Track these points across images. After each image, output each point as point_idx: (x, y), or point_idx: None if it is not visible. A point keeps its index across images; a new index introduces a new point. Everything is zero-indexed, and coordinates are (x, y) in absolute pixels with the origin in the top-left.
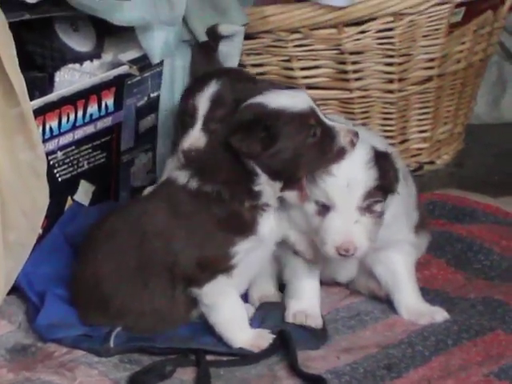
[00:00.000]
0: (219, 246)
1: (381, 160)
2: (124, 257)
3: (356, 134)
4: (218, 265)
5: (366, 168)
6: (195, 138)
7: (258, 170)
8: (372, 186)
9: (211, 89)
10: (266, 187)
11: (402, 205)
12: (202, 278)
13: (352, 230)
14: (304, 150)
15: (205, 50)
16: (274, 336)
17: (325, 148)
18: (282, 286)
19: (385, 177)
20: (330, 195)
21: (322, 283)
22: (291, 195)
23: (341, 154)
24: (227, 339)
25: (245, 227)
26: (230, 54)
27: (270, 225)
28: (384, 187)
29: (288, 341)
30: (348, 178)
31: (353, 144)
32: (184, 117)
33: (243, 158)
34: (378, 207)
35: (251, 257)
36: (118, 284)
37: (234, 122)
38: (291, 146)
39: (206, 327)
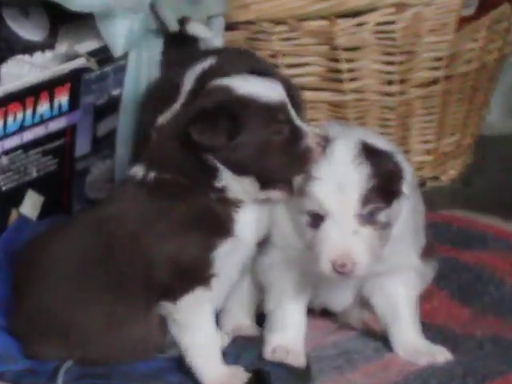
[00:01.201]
0: (196, 250)
1: (375, 156)
2: (85, 274)
3: (326, 138)
4: (196, 272)
5: (356, 164)
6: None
7: (219, 165)
8: (369, 188)
9: (202, 65)
10: (232, 182)
11: (410, 219)
12: (179, 289)
13: (349, 241)
14: (267, 147)
15: (180, 37)
16: (250, 375)
17: (291, 147)
18: (258, 319)
19: (383, 175)
20: (321, 202)
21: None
22: (274, 194)
23: (307, 155)
24: (196, 371)
25: (220, 225)
26: (212, 43)
27: (248, 223)
28: (385, 188)
29: (266, 381)
30: (336, 178)
31: (321, 146)
32: (166, 91)
33: (202, 150)
34: (381, 216)
35: (230, 263)
36: (76, 308)
37: (194, 109)
38: (254, 141)
39: (170, 364)
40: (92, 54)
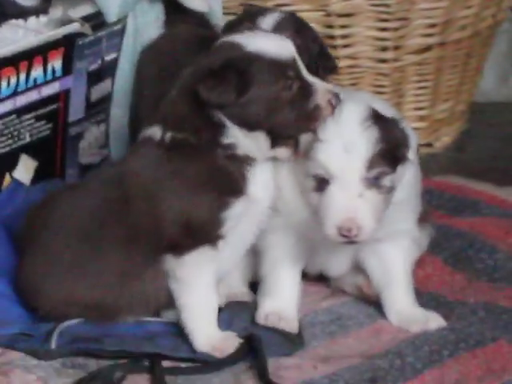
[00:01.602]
0: (209, 209)
1: (383, 122)
2: (99, 226)
3: (337, 96)
4: (205, 231)
5: (364, 128)
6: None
7: (227, 122)
8: (375, 152)
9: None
10: (241, 139)
11: (412, 185)
12: (185, 245)
13: (355, 205)
14: (276, 102)
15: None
16: (242, 340)
17: (300, 104)
18: (252, 286)
19: (390, 141)
20: (327, 164)
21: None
22: (281, 152)
23: (316, 112)
24: (189, 331)
25: (232, 184)
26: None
27: (261, 182)
28: (391, 154)
29: (258, 346)
30: (344, 140)
31: (331, 105)
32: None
33: (211, 108)
34: (386, 181)
35: (243, 224)
36: (88, 259)
37: (203, 66)
38: (263, 97)
39: (164, 329)
40: (86, 18)
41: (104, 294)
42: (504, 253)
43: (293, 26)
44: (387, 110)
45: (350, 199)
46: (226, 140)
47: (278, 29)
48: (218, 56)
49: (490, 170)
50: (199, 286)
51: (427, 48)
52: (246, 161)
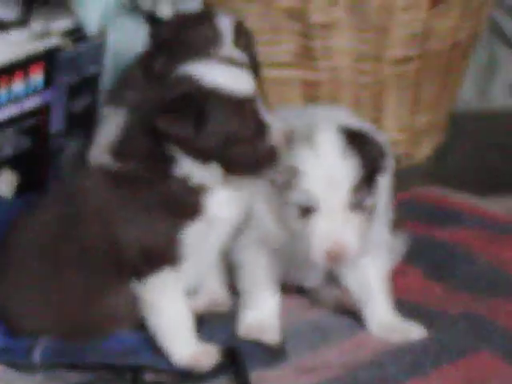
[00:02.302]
0: (163, 231)
1: (360, 143)
2: (58, 250)
3: (289, 137)
4: (162, 254)
5: (344, 158)
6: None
7: (180, 155)
8: (358, 179)
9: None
10: (194, 170)
11: (385, 194)
12: (146, 270)
13: (342, 231)
14: (232, 140)
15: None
16: (221, 353)
17: (255, 143)
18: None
19: (370, 163)
20: (311, 195)
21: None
22: (236, 181)
23: (271, 153)
24: (167, 350)
25: (186, 207)
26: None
27: (221, 201)
28: (371, 175)
29: (239, 359)
30: (326, 172)
31: (284, 145)
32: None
33: (167, 141)
34: (369, 200)
35: (203, 242)
36: (51, 283)
37: (160, 98)
38: (219, 133)
39: (145, 341)
40: (67, 32)
41: (68, 313)
42: (485, 264)
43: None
44: (357, 123)
45: (336, 226)
46: (178, 172)
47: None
48: (176, 90)
49: (471, 180)
50: (167, 307)
51: (407, 59)
52: (200, 187)
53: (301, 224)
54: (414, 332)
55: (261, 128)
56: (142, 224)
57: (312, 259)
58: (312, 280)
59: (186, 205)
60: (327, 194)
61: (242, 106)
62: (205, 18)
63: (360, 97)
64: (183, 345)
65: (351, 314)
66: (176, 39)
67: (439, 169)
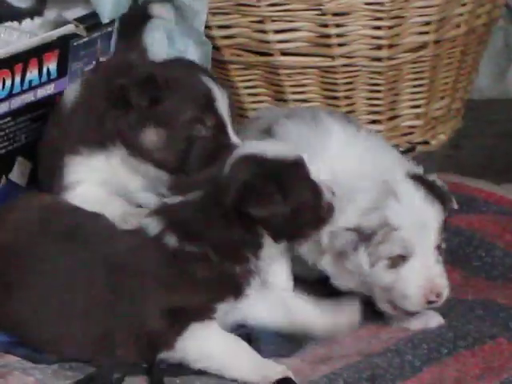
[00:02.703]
0: (203, 298)
1: (432, 187)
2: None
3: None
4: (194, 315)
5: (428, 203)
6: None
7: (265, 235)
8: (441, 221)
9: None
10: (269, 250)
11: None
12: (171, 335)
13: (436, 273)
14: (308, 205)
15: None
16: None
17: (318, 206)
18: None
19: (444, 207)
20: (409, 242)
21: (297, 280)
22: None
23: (330, 211)
24: (244, 380)
25: (236, 289)
26: (197, 10)
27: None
28: (445, 218)
29: (256, 348)
30: (418, 217)
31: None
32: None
33: (255, 223)
34: (443, 243)
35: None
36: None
37: (236, 183)
38: (300, 202)
39: None
40: (80, 20)
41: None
42: (501, 250)
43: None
44: (408, 165)
45: (431, 270)
46: (255, 255)
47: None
48: (246, 171)
49: (487, 167)
50: (214, 340)
51: (422, 46)
52: (253, 271)
53: (391, 276)
54: (431, 320)
55: (318, 189)
56: (179, 291)
57: (409, 306)
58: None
59: (239, 287)
60: (421, 238)
61: (303, 173)
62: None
63: (375, 83)
64: (254, 369)
65: (368, 301)
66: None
67: (455, 155)
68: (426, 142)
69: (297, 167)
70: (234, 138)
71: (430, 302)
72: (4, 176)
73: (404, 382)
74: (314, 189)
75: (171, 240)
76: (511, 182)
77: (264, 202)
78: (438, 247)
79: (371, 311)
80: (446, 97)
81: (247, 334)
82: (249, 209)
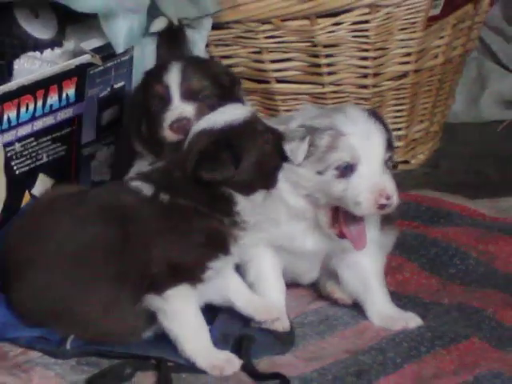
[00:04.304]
0: (197, 257)
1: (379, 118)
2: (90, 260)
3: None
4: (189, 273)
5: (373, 122)
6: (179, 106)
7: (233, 193)
8: (385, 138)
9: (176, 66)
10: (245, 205)
11: None
12: (167, 282)
13: (385, 179)
14: (264, 158)
15: (173, 36)
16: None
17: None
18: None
19: (387, 131)
20: (356, 150)
21: (289, 286)
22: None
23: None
24: (190, 357)
25: (225, 246)
26: (196, 41)
27: (242, 242)
28: (389, 142)
29: (246, 345)
30: (365, 131)
31: None
32: (153, 101)
33: (218, 184)
34: (389, 165)
35: (219, 271)
36: (78, 291)
37: (193, 153)
38: (254, 159)
39: (166, 338)
40: (96, 50)
41: (88, 321)
42: (474, 259)
43: (199, 70)
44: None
45: (379, 175)
46: (234, 209)
47: (185, 77)
48: (202, 140)
49: (462, 184)
50: (187, 314)
51: (403, 75)
52: (242, 226)
53: (341, 184)
54: (411, 321)
55: (278, 137)
56: (178, 247)
57: (360, 211)
58: (307, 276)
59: (225, 243)
60: (368, 149)
61: (251, 131)
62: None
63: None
64: (204, 349)
65: (353, 304)
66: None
67: (433, 173)
68: (406, 162)
69: (244, 128)
70: (176, 104)
71: (381, 207)
72: (27, 191)
73: (387, 377)
74: (263, 142)
75: (165, 197)
76: (483, 197)
77: (215, 166)
78: (386, 162)
79: (355, 313)
80: (424, 120)
81: (241, 334)
82: (203, 176)
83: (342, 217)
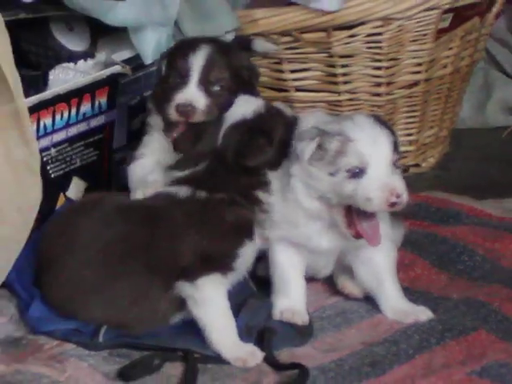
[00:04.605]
0: (228, 245)
1: (382, 121)
2: (124, 254)
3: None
4: (221, 261)
5: (380, 127)
6: (192, 93)
7: (267, 175)
8: (392, 141)
9: (203, 51)
10: (276, 188)
11: None
12: (199, 271)
13: (394, 178)
14: (285, 136)
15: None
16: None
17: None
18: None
19: (392, 133)
20: (363, 155)
21: (308, 281)
22: None
23: None
24: (215, 345)
25: (252, 232)
26: None
27: (266, 236)
28: (396, 146)
29: (267, 338)
30: (373, 136)
31: None
32: (172, 73)
33: (257, 169)
34: (399, 162)
35: (249, 258)
36: (114, 282)
37: (232, 145)
38: (279, 138)
39: (192, 327)
40: (127, 61)
41: (124, 310)
42: (481, 256)
43: (222, 60)
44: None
45: (388, 175)
46: (265, 196)
47: (208, 64)
48: (238, 131)
49: (469, 186)
50: (217, 303)
51: (415, 83)
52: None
53: (352, 184)
54: (422, 314)
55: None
56: (211, 235)
57: (372, 208)
58: (323, 271)
59: (251, 227)
60: (375, 153)
61: (277, 117)
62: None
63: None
64: (229, 339)
65: (368, 298)
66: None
67: (442, 176)
68: (417, 165)
69: (268, 114)
70: (190, 88)
71: (392, 205)
72: (62, 193)
73: (400, 367)
74: (283, 123)
75: (202, 194)
76: (490, 198)
77: (255, 152)
78: (394, 164)
79: (370, 307)
80: (434, 126)
81: (264, 327)
82: (247, 162)
83: (355, 215)
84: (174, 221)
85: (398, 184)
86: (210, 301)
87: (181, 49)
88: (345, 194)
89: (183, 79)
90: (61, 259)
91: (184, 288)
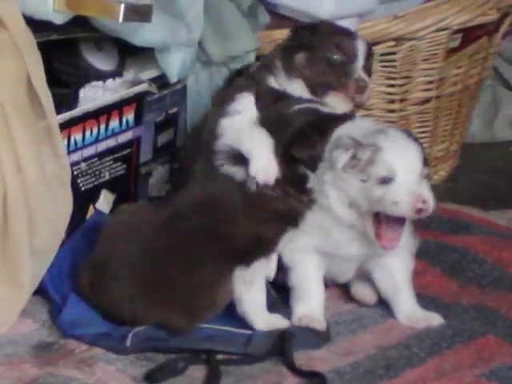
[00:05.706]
0: (276, 231)
1: (412, 135)
2: (192, 247)
3: None
4: (270, 246)
5: (410, 140)
6: (362, 73)
7: (309, 171)
8: (422, 155)
9: (364, 40)
10: (314, 183)
11: None
12: (254, 255)
13: (422, 187)
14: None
15: None
16: (275, 338)
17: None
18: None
19: (422, 148)
20: (392, 165)
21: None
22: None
23: None
24: (249, 317)
25: (297, 220)
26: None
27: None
28: (426, 158)
29: (287, 342)
30: (403, 147)
31: None
32: (334, 50)
33: (302, 164)
34: (428, 176)
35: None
36: (181, 273)
37: (290, 131)
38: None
39: (218, 332)
40: (153, 80)
41: (193, 297)
42: (490, 264)
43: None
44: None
45: (416, 184)
46: (308, 186)
47: (368, 51)
48: (297, 122)
49: (479, 197)
50: (259, 284)
51: (426, 100)
52: (310, 205)
53: (381, 190)
54: (434, 320)
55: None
56: (265, 226)
57: (399, 211)
58: (344, 276)
59: (297, 219)
60: (404, 164)
61: (330, 119)
62: (346, 35)
63: None
64: (262, 312)
65: (383, 303)
66: (319, 42)
67: (453, 188)
68: (429, 177)
69: (327, 118)
70: (361, 72)
71: (418, 211)
72: (92, 205)
73: (412, 370)
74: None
75: (253, 183)
76: (498, 209)
77: (306, 146)
78: (423, 175)
79: (384, 312)
80: (445, 141)
81: (283, 332)
82: (294, 153)
83: (383, 222)
84: (232, 206)
85: (425, 191)
86: (256, 282)
87: (335, 30)
88: (374, 198)
89: (352, 55)
90: (128, 260)
91: (242, 273)
